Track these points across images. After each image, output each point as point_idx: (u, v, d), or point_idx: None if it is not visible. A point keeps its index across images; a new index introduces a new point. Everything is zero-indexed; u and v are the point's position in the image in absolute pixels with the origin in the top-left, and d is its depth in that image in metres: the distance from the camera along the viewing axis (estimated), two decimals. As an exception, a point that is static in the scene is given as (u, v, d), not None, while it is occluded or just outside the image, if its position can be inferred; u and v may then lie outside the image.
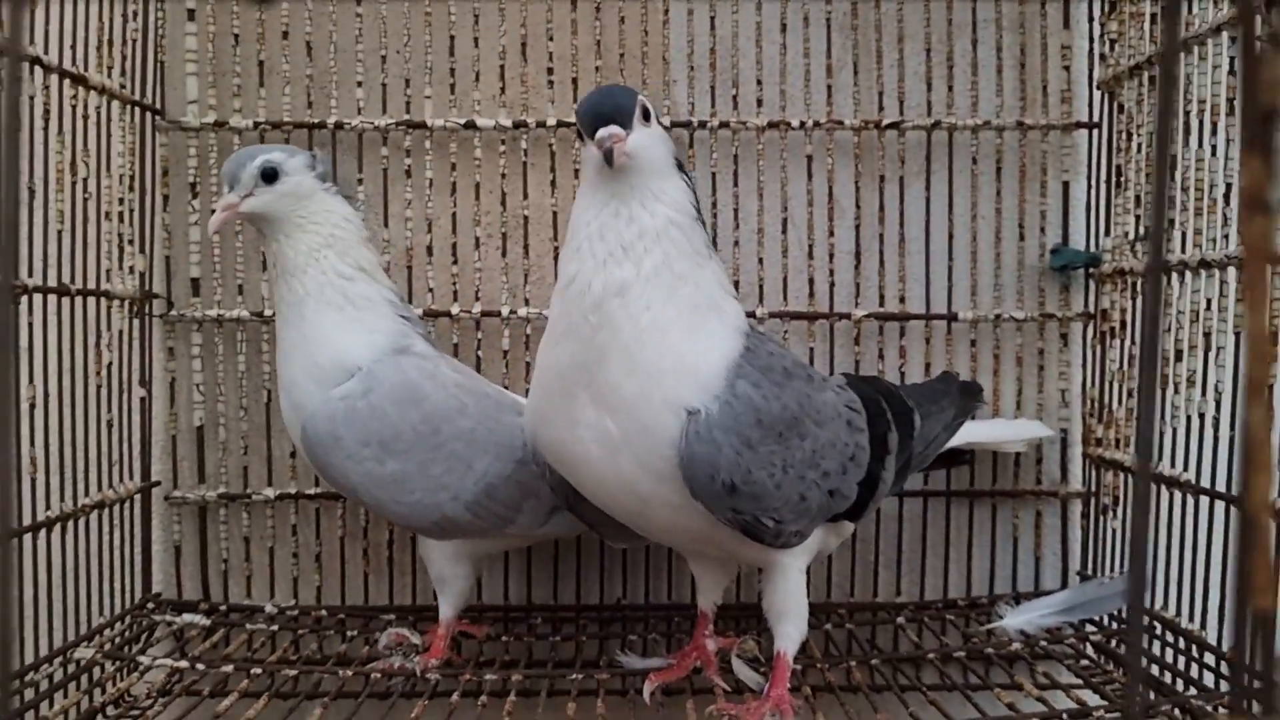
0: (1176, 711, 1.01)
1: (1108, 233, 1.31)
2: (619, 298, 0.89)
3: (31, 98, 1.06)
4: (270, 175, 1.09)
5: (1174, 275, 1.14)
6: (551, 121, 1.32)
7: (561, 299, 0.93)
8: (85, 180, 1.17)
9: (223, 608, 1.32)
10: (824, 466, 0.97)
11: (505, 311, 1.32)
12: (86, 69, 1.16)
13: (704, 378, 0.91)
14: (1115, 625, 1.23)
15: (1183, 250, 1.13)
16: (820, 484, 0.97)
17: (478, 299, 1.33)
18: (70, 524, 1.14)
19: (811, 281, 1.34)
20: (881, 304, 1.35)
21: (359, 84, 1.32)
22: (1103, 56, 1.32)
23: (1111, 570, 1.29)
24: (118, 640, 1.19)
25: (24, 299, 1.05)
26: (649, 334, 0.89)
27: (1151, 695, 1.08)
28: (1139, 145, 1.24)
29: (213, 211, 1.11)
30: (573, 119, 1.31)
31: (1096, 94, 1.33)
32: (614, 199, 0.90)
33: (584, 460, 0.94)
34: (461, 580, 1.16)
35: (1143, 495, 0.37)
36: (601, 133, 0.88)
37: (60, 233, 1.13)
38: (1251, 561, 0.31)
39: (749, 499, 0.91)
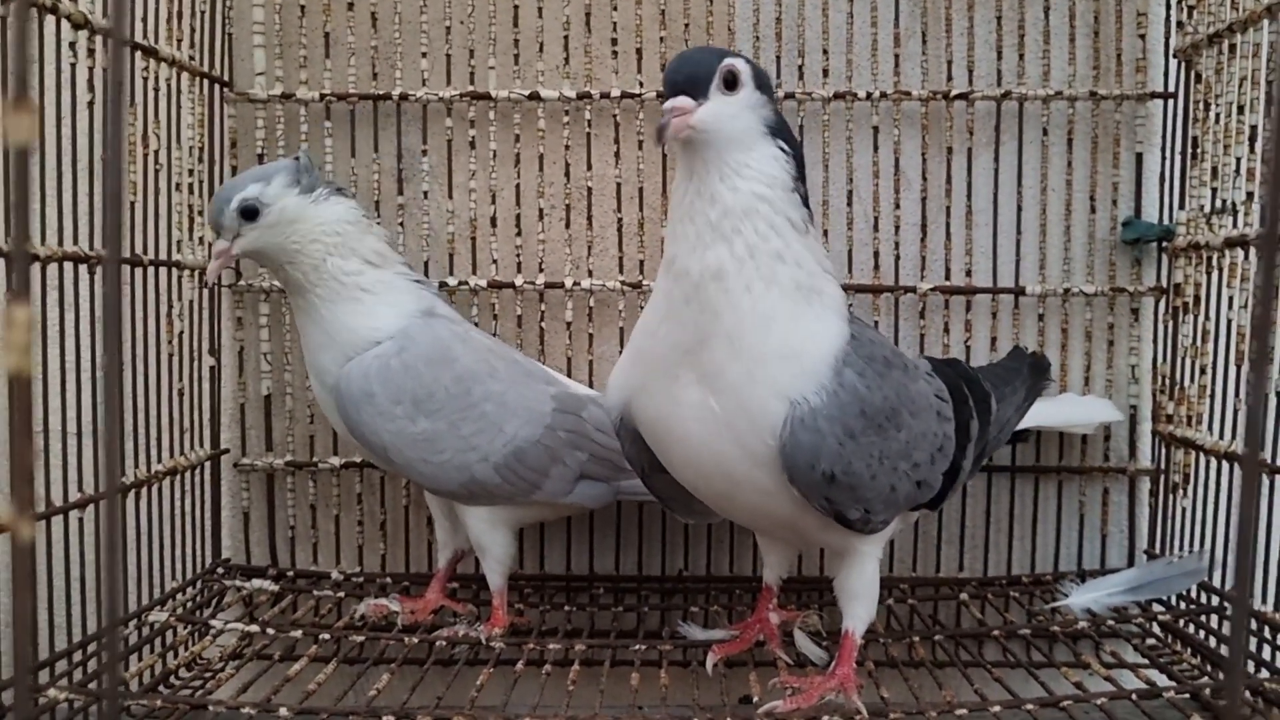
0: (1248, 694, 0.99)
1: (1182, 205, 1.28)
2: (716, 282, 0.87)
3: (105, 70, 1.07)
4: (250, 213, 1.09)
5: (1251, 250, 1.12)
6: (615, 92, 1.31)
7: (665, 277, 0.91)
8: (156, 152, 1.18)
9: (290, 573, 1.35)
10: (915, 458, 0.96)
11: (569, 283, 1.32)
12: (157, 41, 1.17)
13: (810, 366, 0.89)
14: (1183, 605, 1.22)
15: (1261, 224, 1.10)
16: (910, 475, 0.96)
17: (541, 270, 1.34)
18: (145, 490, 1.16)
19: (877, 254, 1.33)
20: (947, 277, 1.33)
21: (423, 55, 1.32)
22: (1180, 24, 1.28)
23: (1180, 549, 1.26)
24: (189, 605, 1.21)
25: (98, 269, 1.07)
26: (751, 319, 0.88)
27: (1220, 676, 1.06)
28: (1217, 115, 1.20)
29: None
30: (636, 90, 1.31)
31: (1172, 63, 1.30)
32: (694, 177, 0.88)
33: (681, 437, 0.93)
34: (500, 548, 1.17)
35: (1249, 483, 0.36)
36: (666, 104, 0.86)
37: (134, 204, 1.14)
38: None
39: (845, 489, 0.90)
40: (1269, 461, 1.09)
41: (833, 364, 0.90)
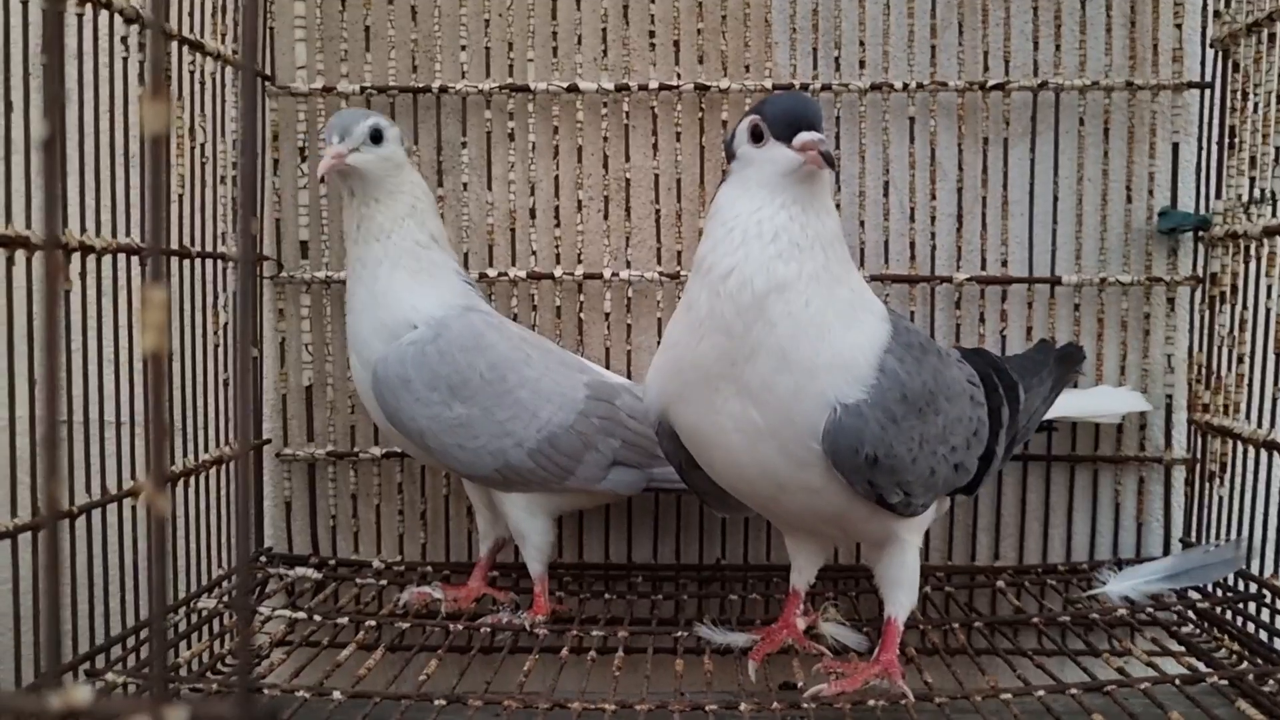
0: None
1: (1219, 195, 1.28)
2: (779, 293, 0.89)
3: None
4: (377, 136, 1.13)
5: (1292, 238, 1.12)
6: (653, 84, 1.32)
7: (708, 290, 0.92)
8: (202, 145, 1.20)
9: (331, 562, 1.36)
10: (952, 441, 0.98)
11: (607, 274, 1.33)
12: (203, 35, 1.18)
13: (857, 370, 0.91)
14: (1220, 593, 1.22)
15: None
16: (948, 458, 0.98)
17: (580, 261, 1.35)
18: (193, 479, 1.17)
19: (913, 245, 1.33)
20: (983, 267, 1.34)
21: (463, 48, 1.34)
22: (1217, 13, 1.29)
23: (1216, 537, 1.27)
24: (235, 592, 1.23)
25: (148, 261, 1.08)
26: (807, 330, 0.90)
27: (1260, 663, 1.07)
28: (1255, 105, 1.21)
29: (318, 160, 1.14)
30: (674, 82, 1.31)
31: (1209, 52, 1.30)
32: (794, 204, 0.91)
33: (723, 446, 0.95)
34: (539, 535, 1.18)
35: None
36: (813, 137, 0.89)
37: (181, 196, 1.16)
38: None
39: (887, 472, 0.92)
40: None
41: (877, 362, 0.92)
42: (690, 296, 0.95)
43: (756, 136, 0.92)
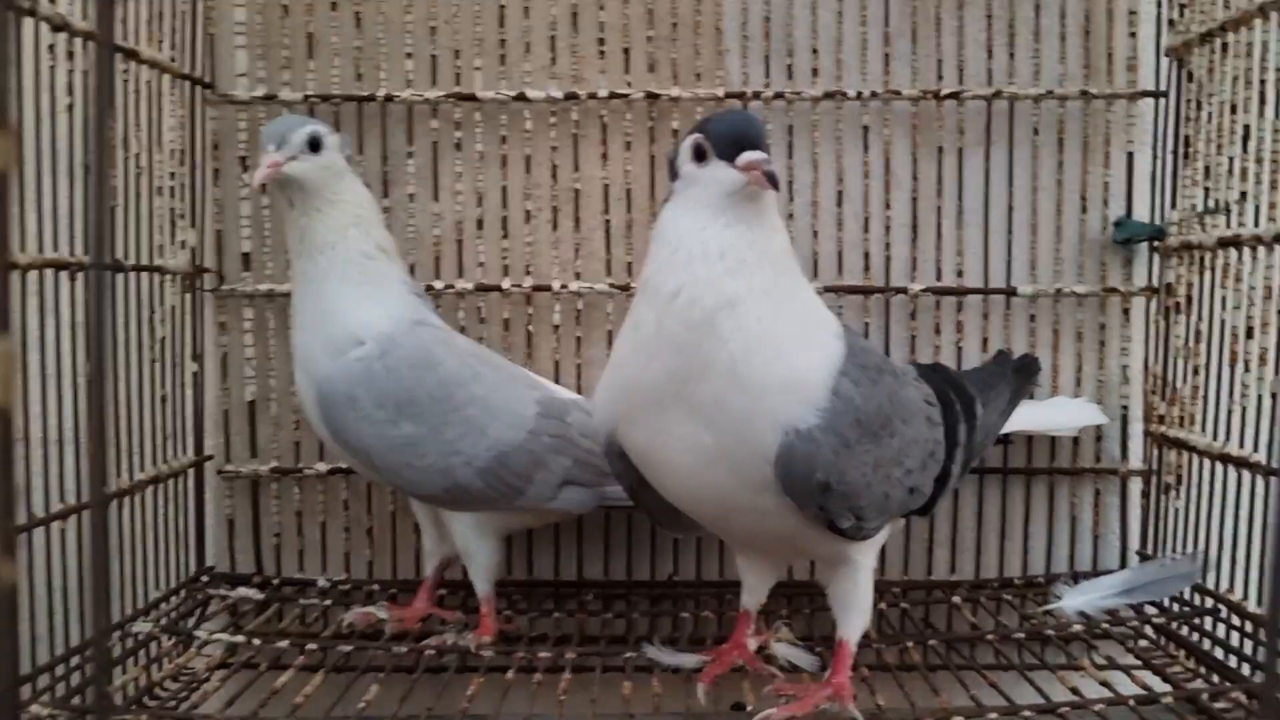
0: (1243, 697, 0.99)
1: (1174, 205, 1.27)
2: (729, 309, 0.87)
3: (85, 73, 1.05)
4: (315, 144, 1.10)
5: (1245, 250, 1.11)
6: (603, 93, 1.29)
7: (656, 310, 0.89)
8: (137, 156, 1.16)
9: (276, 581, 1.33)
10: (907, 464, 0.96)
11: (556, 286, 1.31)
12: (138, 43, 1.15)
13: (810, 394, 0.89)
14: (1177, 608, 1.21)
15: (1256, 223, 1.10)
16: (903, 481, 0.96)
17: (528, 273, 1.32)
18: (128, 499, 1.14)
19: (867, 255, 1.32)
20: (938, 278, 1.32)
21: (408, 55, 1.31)
22: (1172, 22, 1.28)
23: (1173, 550, 1.26)
24: (174, 614, 1.20)
25: (79, 275, 1.05)
26: (759, 347, 0.87)
27: (1218, 680, 1.06)
28: (1209, 115, 1.20)
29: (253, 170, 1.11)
30: (623, 90, 1.29)
31: (1164, 61, 1.29)
32: (740, 223, 0.88)
33: (672, 468, 0.93)
34: (486, 555, 1.16)
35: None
36: (757, 156, 0.86)
37: (114, 209, 1.12)
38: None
39: (840, 497, 0.90)
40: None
41: (831, 384, 0.89)
42: (637, 316, 0.92)
43: (700, 155, 0.89)
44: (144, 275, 1.18)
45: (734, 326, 0.87)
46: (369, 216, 1.14)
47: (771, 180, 0.86)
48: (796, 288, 0.92)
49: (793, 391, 0.88)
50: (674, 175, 0.93)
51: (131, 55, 1.14)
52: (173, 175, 1.23)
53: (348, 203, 1.12)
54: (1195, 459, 1.21)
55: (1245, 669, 1.07)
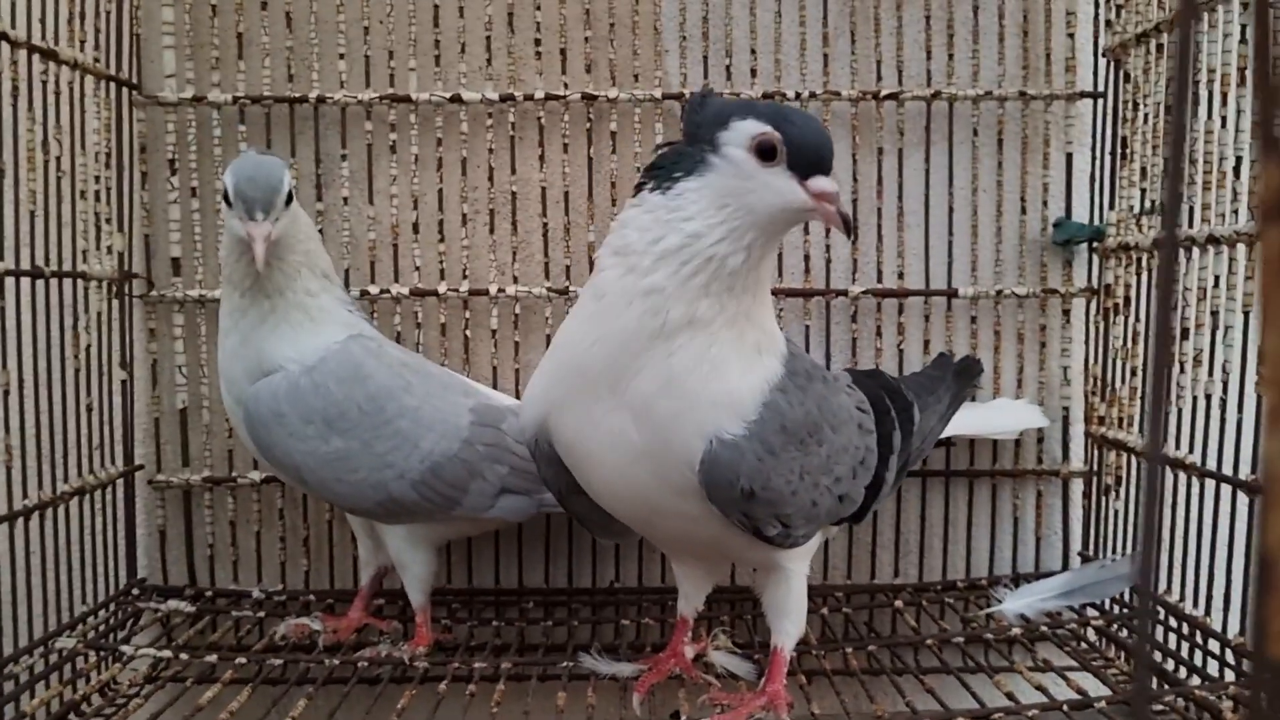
0: (1181, 701, 0.98)
1: (1112, 206, 1.27)
2: (690, 330, 0.84)
3: (-1, 74, 1.02)
4: (289, 197, 1.04)
5: (1181, 251, 1.11)
6: (539, 94, 1.28)
7: (625, 290, 0.85)
8: (59, 159, 1.13)
9: (209, 593, 1.30)
10: (836, 472, 0.94)
11: (494, 290, 1.29)
12: (57, 43, 1.12)
13: (742, 407, 0.86)
14: (1117, 609, 1.21)
15: (1190, 225, 1.10)
16: (832, 489, 0.94)
17: (465, 277, 1.30)
18: (50, 511, 1.11)
19: (807, 258, 1.31)
20: (879, 280, 1.32)
21: (341, 56, 1.28)
22: (1109, 23, 1.28)
23: (1114, 551, 1.26)
24: (102, 628, 1.17)
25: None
26: (702, 367, 0.85)
27: (1155, 683, 1.06)
28: (1146, 115, 1.20)
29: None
30: (560, 92, 1.28)
31: (1101, 62, 1.29)
32: (759, 246, 0.85)
33: (597, 461, 0.90)
34: (420, 565, 1.14)
35: (1153, 479, 0.34)
36: (832, 188, 0.82)
37: (33, 214, 1.09)
38: (1267, 607, 0.28)
39: (764, 505, 0.88)
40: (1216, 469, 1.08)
41: (763, 398, 0.87)
42: (602, 284, 0.87)
43: (767, 154, 0.83)
44: (66, 281, 1.14)
45: (685, 344, 0.85)
46: (314, 247, 1.10)
47: (846, 224, 0.83)
48: (763, 315, 0.89)
49: (724, 408, 0.86)
50: (696, 139, 0.85)
51: (50, 56, 1.10)
52: (98, 179, 1.20)
53: (300, 241, 1.07)
54: (1133, 460, 1.22)
55: (1182, 672, 1.07)
